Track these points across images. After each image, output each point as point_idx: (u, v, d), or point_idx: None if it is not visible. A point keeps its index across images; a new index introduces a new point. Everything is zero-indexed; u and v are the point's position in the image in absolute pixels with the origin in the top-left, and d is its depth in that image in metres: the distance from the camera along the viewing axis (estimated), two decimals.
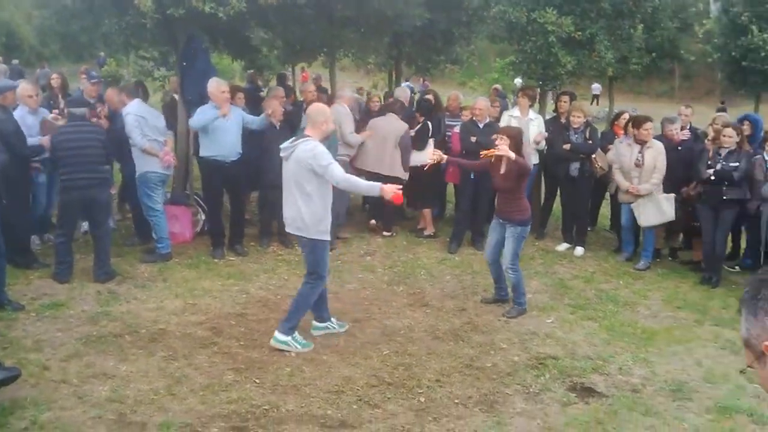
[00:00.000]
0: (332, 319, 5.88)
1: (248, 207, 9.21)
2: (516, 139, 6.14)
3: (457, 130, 8.61)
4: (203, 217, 8.44)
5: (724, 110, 10.63)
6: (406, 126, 8.56)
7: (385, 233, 8.81)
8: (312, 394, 4.75)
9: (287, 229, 5.52)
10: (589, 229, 9.25)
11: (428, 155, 7.96)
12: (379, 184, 5.38)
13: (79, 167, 6.57)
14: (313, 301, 5.55)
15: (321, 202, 5.25)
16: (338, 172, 5.15)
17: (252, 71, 13.71)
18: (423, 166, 7.18)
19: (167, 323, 5.88)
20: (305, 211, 5.21)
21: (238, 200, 8.07)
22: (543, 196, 9.15)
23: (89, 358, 5.16)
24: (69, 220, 6.83)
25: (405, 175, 8.40)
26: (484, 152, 6.34)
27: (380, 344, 5.64)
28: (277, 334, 5.42)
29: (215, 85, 7.46)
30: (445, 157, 6.47)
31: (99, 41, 10.29)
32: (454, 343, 5.74)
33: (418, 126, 8.71)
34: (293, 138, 5.43)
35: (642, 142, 7.65)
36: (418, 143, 8.57)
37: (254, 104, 8.95)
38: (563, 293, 7.06)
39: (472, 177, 8.21)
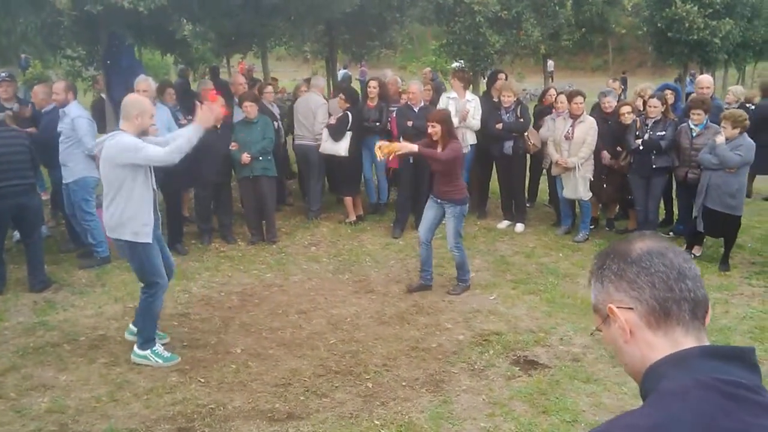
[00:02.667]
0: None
1: (188, 205, 9.06)
2: (446, 122, 6.24)
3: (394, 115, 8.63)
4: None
5: (624, 80, 10.90)
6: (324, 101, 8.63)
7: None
8: (259, 389, 4.73)
9: (107, 234, 5.12)
10: (528, 205, 9.41)
11: (343, 148, 7.99)
12: (197, 124, 4.99)
13: (6, 174, 6.34)
14: (159, 307, 5.18)
15: (132, 198, 4.84)
16: (154, 151, 4.78)
17: (183, 66, 13.45)
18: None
19: (107, 329, 5.76)
20: (119, 210, 4.84)
21: (172, 198, 7.90)
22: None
23: (27, 370, 5.01)
24: None
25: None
26: (382, 147, 6.17)
27: (327, 334, 5.65)
28: (136, 349, 5.11)
29: (135, 84, 7.27)
30: (413, 146, 6.19)
31: (21, 43, 9.93)
32: (400, 326, 5.78)
33: (339, 115, 8.61)
34: (107, 134, 5.05)
35: (575, 117, 7.82)
36: (336, 134, 8.51)
37: (186, 99, 8.79)
38: (505, 270, 7.18)
39: (410, 161, 8.24)
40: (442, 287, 6.65)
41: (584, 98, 8.04)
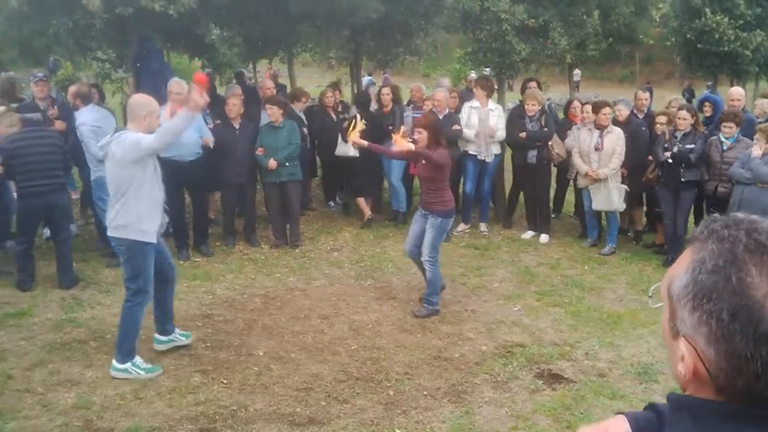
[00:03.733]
0: (176, 330, 5.46)
1: (212, 207, 9.13)
2: (434, 129, 6.01)
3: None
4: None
5: (650, 91, 10.71)
6: None
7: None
8: (280, 392, 4.74)
9: (108, 233, 4.99)
10: (554, 216, 9.37)
11: (352, 149, 8.01)
12: (186, 109, 4.84)
13: (37, 174, 6.45)
14: (140, 319, 5.00)
15: (141, 199, 4.79)
16: (150, 138, 4.70)
17: (209, 70, 13.56)
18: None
19: None
20: (125, 209, 4.77)
21: (199, 200, 7.97)
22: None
23: (54, 365, 5.08)
24: (28, 227, 6.69)
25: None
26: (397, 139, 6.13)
27: (348, 339, 5.64)
28: (115, 363, 4.93)
29: (168, 87, 7.35)
30: (366, 143, 6.27)
31: (53, 45, 10.08)
32: (422, 334, 5.76)
33: (349, 117, 8.71)
34: (112, 133, 4.99)
35: (601, 127, 7.76)
36: (345, 135, 8.54)
37: (213, 103, 8.85)
38: (529, 281, 7.13)
39: None
40: (465, 297, 6.63)
41: (611, 109, 7.94)
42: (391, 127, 8.65)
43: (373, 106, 9.59)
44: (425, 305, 6.20)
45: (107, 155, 4.82)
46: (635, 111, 8.49)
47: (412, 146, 5.90)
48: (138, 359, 4.98)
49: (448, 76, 16.83)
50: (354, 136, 6.11)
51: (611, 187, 7.73)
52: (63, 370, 5.01)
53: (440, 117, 8.21)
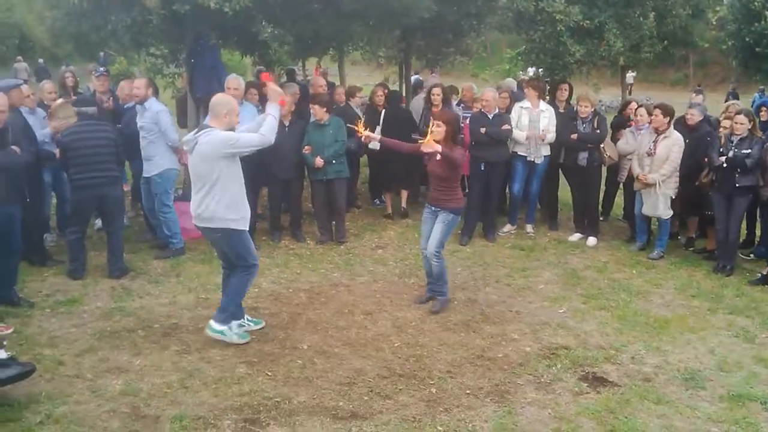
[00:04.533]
0: (246, 316, 5.68)
1: (259, 202, 9.24)
2: (452, 125, 5.96)
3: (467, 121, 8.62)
4: None
5: (701, 92, 10.42)
6: None
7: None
8: (323, 386, 4.77)
9: (194, 222, 5.26)
10: (602, 218, 9.22)
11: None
12: (268, 111, 5.25)
13: (91, 167, 6.61)
14: (248, 288, 5.49)
15: (228, 189, 5.07)
16: (251, 137, 5.08)
17: (260, 67, 13.70)
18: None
19: (180, 318, 5.92)
20: (213, 201, 5.04)
21: (249, 195, 8.04)
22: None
23: (103, 352, 5.21)
24: (81, 217, 6.87)
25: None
26: (421, 141, 6.02)
27: (391, 336, 5.65)
28: (213, 324, 5.30)
29: (226, 82, 7.53)
30: (376, 136, 6.34)
31: (110, 40, 10.33)
32: (466, 334, 5.74)
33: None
34: (196, 129, 5.22)
35: (659, 132, 7.60)
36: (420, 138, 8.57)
37: (263, 100, 8.97)
38: (575, 283, 7.03)
39: (482, 168, 8.20)
40: (510, 297, 6.58)
41: (670, 114, 7.67)
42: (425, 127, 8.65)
43: (420, 105, 9.58)
44: (439, 299, 6.26)
45: (193, 150, 5.05)
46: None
47: (439, 148, 5.78)
48: (234, 325, 5.35)
49: (510, 77, 16.59)
50: (429, 142, 5.89)
51: (659, 194, 7.58)
52: (112, 358, 5.13)
53: (490, 117, 8.17)
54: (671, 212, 7.73)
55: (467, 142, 8.25)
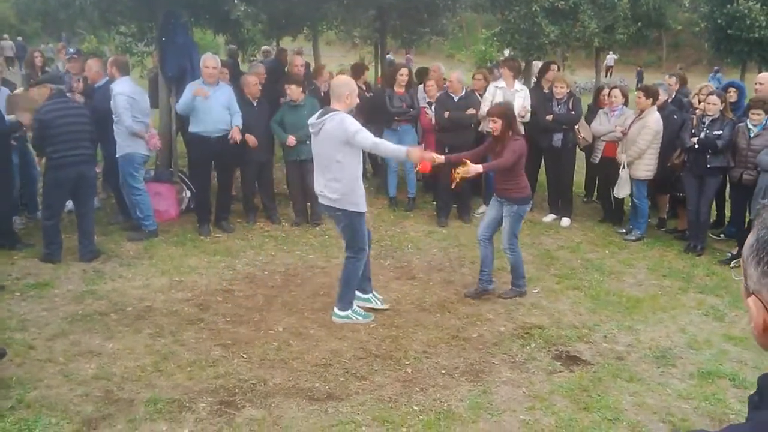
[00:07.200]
0: (374, 292, 5.88)
1: (234, 184, 9.15)
2: (507, 117, 5.87)
3: (424, 104, 8.67)
4: (188, 194, 8.40)
5: (674, 76, 10.43)
6: None
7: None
8: (299, 367, 4.77)
9: (320, 201, 5.52)
10: (585, 200, 9.32)
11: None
12: (404, 147, 5.50)
13: (70, 144, 6.48)
14: (360, 273, 5.59)
15: (352, 173, 5.28)
16: (366, 137, 5.17)
17: (233, 46, 13.55)
18: None
19: (153, 300, 5.86)
20: (338, 183, 5.24)
21: (225, 176, 8.00)
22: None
23: (75, 336, 5.14)
24: (58, 199, 6.72)
25: None
26: (456, 175, 5.82)
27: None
28: (337, 311, 5.55)
29: (202, 60, 7.48)
30: (442, 157, 5.67)
31: (78, 18, 10.11)
32: (441, 314, 5.76)
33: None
34: (321, 112, 5.39)
35: (638, 112, 7.67)
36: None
37: (235, 79, 8.86)
38: (549, 263, 7.09)
39: (446, 151, 8.18)
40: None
41: (653, 96, 7.62)
42: (412, 109, 8.60)
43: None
44: (514, 288, 6.20)
45: (319, 132, 5.24)
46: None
47: (480, 168, 5.75)
48: (356, 307, 5.60)
49: (487, 58, 16.53)
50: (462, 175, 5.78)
51: (621, 175, 7.67)
52: (84, 341, 5.07)
53: (455, 99, 8.12)
54: (627, 192, 7.86)
55: (425, 125, 8.29)
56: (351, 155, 5.22)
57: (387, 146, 5.46)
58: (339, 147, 5.16)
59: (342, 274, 5.57)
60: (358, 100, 5.53)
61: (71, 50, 8.42)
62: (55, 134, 6.44)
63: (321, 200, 5.47)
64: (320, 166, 5.36)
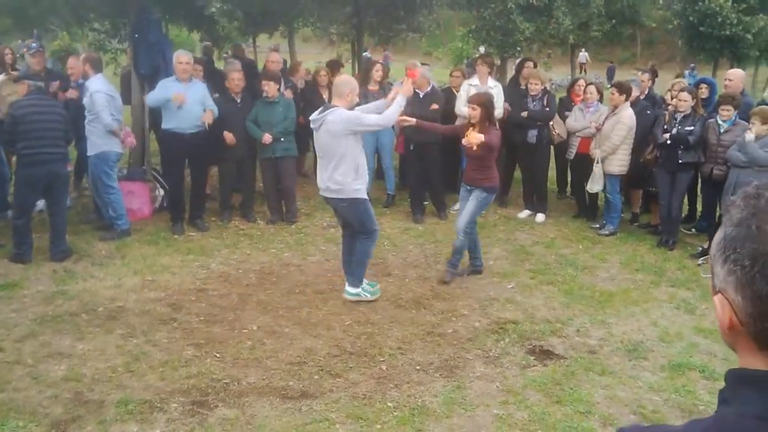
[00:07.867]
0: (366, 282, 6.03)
1: (209, 182, 9.08)
2: (487, 106, 6.07)
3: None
4: (161, 193, 8.32)
5: (647, 72, 10.51)
6: None
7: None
8: (273, 366, 4.74)
9: (322, 194, 5.73)
10: (559, 196, 9.37)
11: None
12: (399, 99, 5.66)
13: (44, 141, 6.39)
14: (372, 252, 5.95)
15: (353, 162, 5.46)
16: (369, 117, 5.52)
17: (208, 43, 13.44)
18: None
19: (125, 301, 5.80)
20: (339, 173, 5.45)
21: (199, 173, 7.91)
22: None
23: (45, 337, 5.07)
24: (29, 197, 6.62)
25: None
26: (466, 141, 6.11)
27: (343, 315, 5.64)
28: (348, 288, 5.86)
29: (175, 57, 7.42)
30: (414, 120, 6.27)
31: (49, 14, 9.97)
32: (416, 311, 5.77)
33: None
34: (322, 108, 5.57)
35: (612, 108, 7.72)
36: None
37: (209, 77, 8.79)
38: (524, 259, 7.13)
39: (411, 147, 8.22)
40: (463, 276, 6.62)
41: (626, 92, 7.70)
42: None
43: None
44: (472, 265, 6.58)
45: (320, 128, 5.44)
46: None
47: (482, 138, 5.93)
48: (365, 284, 5.89)
49: (463, 56, 16.57)
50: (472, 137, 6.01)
51: (595, 170, 7.73)
52: (54, 343, 5.00)
53: (420, 95, 8.09)
54: (599, 188, 7.90)
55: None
56: (353, 147, 5.45)
57: (387, 113, 5.64)
58: (341, 140, 5.38)
59: (355, 253, 5.81)
60: (358, 99, 5.76)
61: (33, 45, 8.25)
62: (28, 130, 6.34)
63: (325, 194, 5.65)
64: (323, 160, 5.58)
